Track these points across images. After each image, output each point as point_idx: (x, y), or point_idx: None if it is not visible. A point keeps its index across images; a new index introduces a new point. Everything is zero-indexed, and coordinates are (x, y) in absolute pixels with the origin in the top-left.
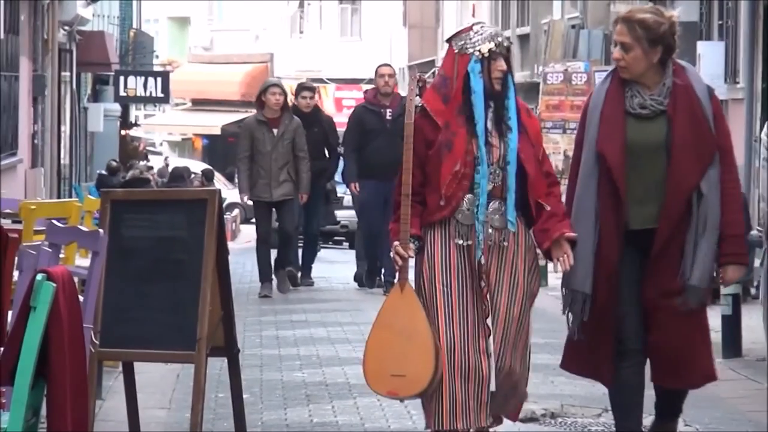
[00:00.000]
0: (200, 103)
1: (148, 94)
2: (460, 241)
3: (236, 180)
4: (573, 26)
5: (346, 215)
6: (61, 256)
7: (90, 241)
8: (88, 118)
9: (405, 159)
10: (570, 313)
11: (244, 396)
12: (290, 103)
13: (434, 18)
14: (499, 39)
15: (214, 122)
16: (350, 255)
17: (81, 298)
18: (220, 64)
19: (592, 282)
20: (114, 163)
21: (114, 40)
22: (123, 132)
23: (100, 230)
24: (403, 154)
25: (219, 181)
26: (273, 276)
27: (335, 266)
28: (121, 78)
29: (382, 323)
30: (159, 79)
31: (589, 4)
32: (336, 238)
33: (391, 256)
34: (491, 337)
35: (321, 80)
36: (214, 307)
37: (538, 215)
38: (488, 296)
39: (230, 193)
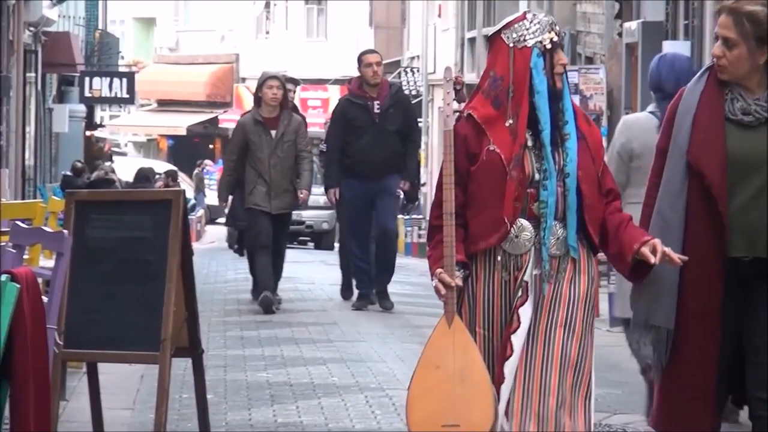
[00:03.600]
0: (165, 104)
1: (113, 94)
2: (506, 276)
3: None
4: None
5: (311, 215)
6: (26, 257)
7: (54, 242)
8: (53, 119)
9: (445, 173)
10: (653, 353)
11: (209, 396)
12: (291, 100)
13: (400, 18)
14: (558, 28)
15: (180, 123)
16: (315, 255)
17: (45, 299)
18: (186, 64)
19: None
20: (79, 164)
21: (79, 41)
22: (88, 133)
23: (65, 231)
24: (442, 168)
25: (184, 182)
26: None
27: (300, 267)
28: (87, 79)
29: (428, 363)
30: (124, 80)
31: (555, 4)
32: (301, 238)
33: (434, 285)
34: (542, 383)
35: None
36: (178, 307)
37: (603, 240)
38: (536, 336)
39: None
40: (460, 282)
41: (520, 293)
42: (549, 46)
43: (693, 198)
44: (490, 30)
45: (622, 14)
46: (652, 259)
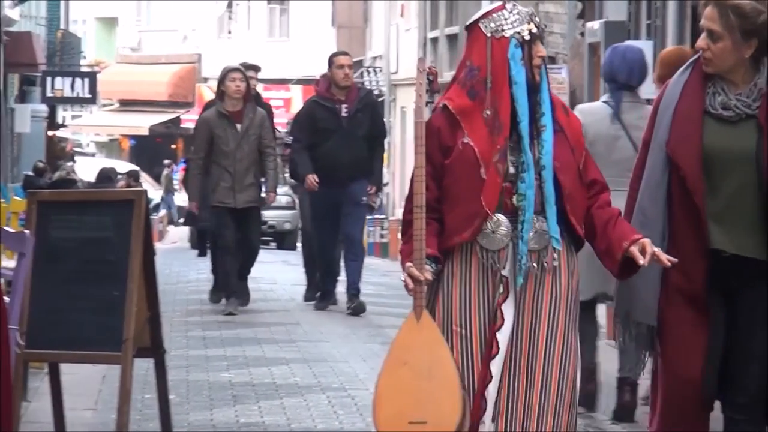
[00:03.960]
0: (128, 104)
1: (75, 94)
2: (484, 273)
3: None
4: None
5: (273, 215)
6: None
7: (16, 243)
8: (14, 119)
9: (416, 165)
10: (635, 349)
11: (171, 397)
12: (253, 87)
13: (362, 18)
14: (537, 19)
15: (142, 123)
16: (277, 255)
17: (7, 299)
18: (148, 64)
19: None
20: (41, 164)
21: (41, 41)
22: (50, 133)
23: (27, 231)
24: (415, 160)
25: (146, 182)
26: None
27: (262, 267)
28: (49, 79)
29: (395, 360)
30: (86, 80)
31: (518, 3)
32: (263, 238)
33: (402, 280)
34: (527, 384)
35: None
36: (140, 307)
37: (590, 232)
38: (521, 334)
39: (157, 194)
40: (429, 276)
41: (501, 290)
42: (527, 38)
43: (673, 191)
44: (436, 32)
45: (584, 14)
46: (641, 260)
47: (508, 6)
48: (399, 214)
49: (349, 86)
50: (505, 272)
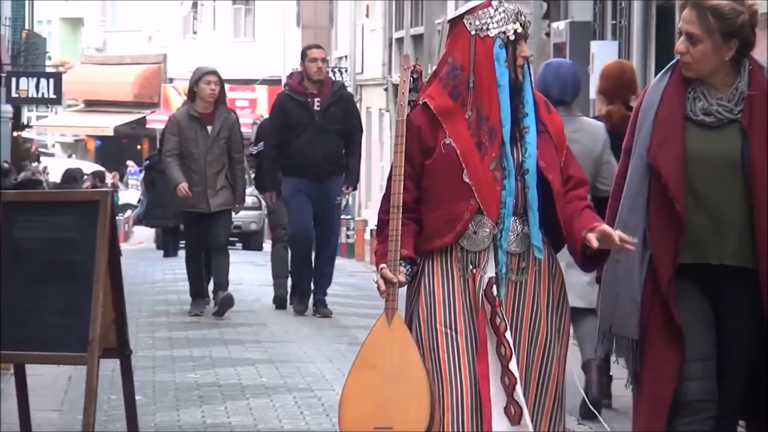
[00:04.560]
0: (93, 105)
1: (40, 95)
2: (464, 273)
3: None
4: None
5: (239, 216)
6: None
7: None
8: None
9: (395, 164)
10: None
11: (137, 397)
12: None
13: (328, 18)
14: (523, 18)
15: (107, 123)
16: (243, 256)
17: None
18: (113, 65)
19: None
20: (6, 165)
21: (6, 41)
22: (15, 134)
23: None
24: (394, 159)
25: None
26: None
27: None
28: (13, 79)
29: (364, 362)
30: (51, 81)
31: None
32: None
33: (374, 281)
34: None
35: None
36: (106, 308)
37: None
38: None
39: (122, 195)
40: (402, 278)
41: (495, 292)
42: (512, 38)
43: (653, 200)
44: (401, 32)
45: (549, 14)
46: (595, 243)
47: (494, 3)
48: (365, 214)
49: (322, 80)
50: (490, 273)
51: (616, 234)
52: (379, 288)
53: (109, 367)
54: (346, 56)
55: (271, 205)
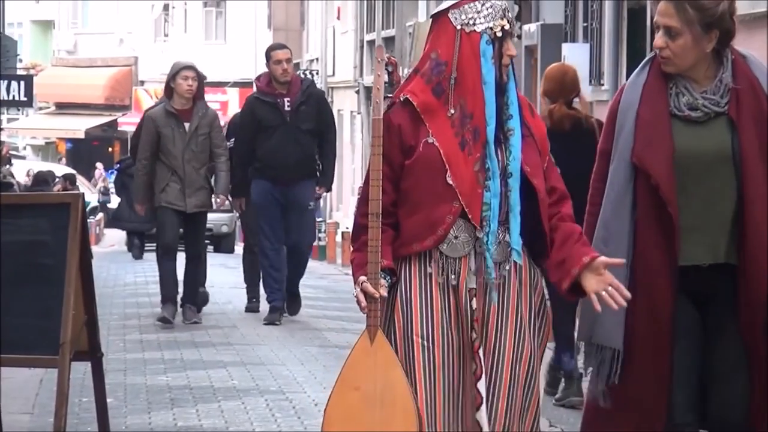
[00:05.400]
0: (64, 107)
1: (11, 97)
2: (443, 280)
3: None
4: None
5: (210, 218)
6: None
7: None
8: None
9: (372, 168)
10: (596, 374)
11: (108, 400)
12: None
13: (299, 20)
14: (510, 15)
15: (78, 126)
16: (215, 258)
17: None
18: (84, 67)
19: (624, 335)
20: None
21: None
22: None
23: None
24: (371, 161)
25: (83, 185)
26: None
27: None
28: None
29: (346, 384)
30: (22, 83)
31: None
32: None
33: (354, 295)
34: (489, 408)
35: None
36: (77, 311)
37: (550, 243)
38: (483, 352)
39: (93, 197)
40: (384, 292)
41: (474, 305)
42: (500, 34)
43: (641, 203)
44: (372, 35)
45: (521, 16)
46: (593, 288)
47: None
48: (336, 217)
49: (288, 81)
50: (471, 284)
51: (606, 292)
52: (359, 303)
53: (81, 370)
54: (317, 59)
55: (241, 211)
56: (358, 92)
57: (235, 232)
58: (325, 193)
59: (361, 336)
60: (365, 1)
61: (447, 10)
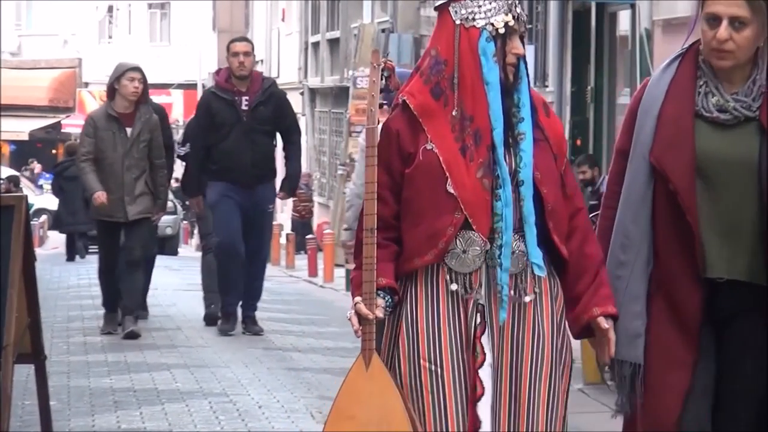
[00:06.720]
0: (7, 109)
1: None
2: (454, 300)
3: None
4: (383, 30)
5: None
6: None
7: None
8: None
9: (367, 181)
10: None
11: (52, 403)
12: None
13: (243, 23)
14: (518, 10)
15: (22, 128)
16: (158, 260)
17: None
18: (28, 69)
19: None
20: None
21: None
22: None
23: None
24: (366, 174)
25: (26, 187)
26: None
27: None
28: None
29: (340, 414)
30: None
31: (400, 6)
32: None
33: (348, 317)
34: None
35: None
36: (20, 313)
37: (565, 263)
38: (501, 372)
39: (38, 199)
40: (380, 314)
41: (478, 320)
42: (502, 31)
43: (660, 207)
44: (317, 36)
45: None
46: (606, 329)
47: None
48: (280, 218)
49: (247, 76)
50: (480, 300)
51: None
52: (353, 326)
53: (24, 373)
54: (262, 60)
55: (200, 211)
56: (302, 94)
57: (179, 234)
58: (286, 198)
59: (356, 361)
60: (310, 3)
61: (448, 2)
